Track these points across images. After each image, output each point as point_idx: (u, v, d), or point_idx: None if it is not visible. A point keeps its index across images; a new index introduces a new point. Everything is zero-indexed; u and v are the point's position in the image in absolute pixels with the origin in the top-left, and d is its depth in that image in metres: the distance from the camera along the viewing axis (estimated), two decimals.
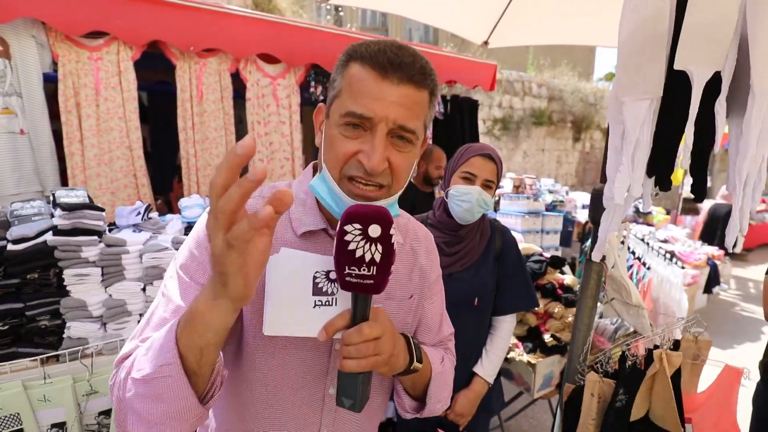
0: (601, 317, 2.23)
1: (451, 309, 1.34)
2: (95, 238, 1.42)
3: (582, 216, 4.63)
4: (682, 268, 3.12)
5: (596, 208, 1.61)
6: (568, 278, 2.17)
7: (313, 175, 0.71)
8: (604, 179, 1.32)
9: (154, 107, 4.17)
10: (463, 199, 1.32)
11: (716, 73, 0.99)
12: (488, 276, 1.43)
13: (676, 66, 1.02)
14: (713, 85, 1.00)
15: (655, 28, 1.09)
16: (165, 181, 4.27)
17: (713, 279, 5.28)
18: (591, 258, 1.65)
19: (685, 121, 1.17)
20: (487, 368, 1.46)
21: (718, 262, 5.37)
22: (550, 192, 4.65)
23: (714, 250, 5.50)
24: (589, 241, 3.47)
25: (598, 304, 1.67)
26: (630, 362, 1.29)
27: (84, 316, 1.40)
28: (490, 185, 1.36)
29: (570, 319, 2.06)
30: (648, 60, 1.13)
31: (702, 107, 1.02)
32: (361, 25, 10.40)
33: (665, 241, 5.01)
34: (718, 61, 0.98)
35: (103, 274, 1.45)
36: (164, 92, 3.66)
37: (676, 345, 1.34)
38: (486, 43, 2.96)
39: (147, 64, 2.66)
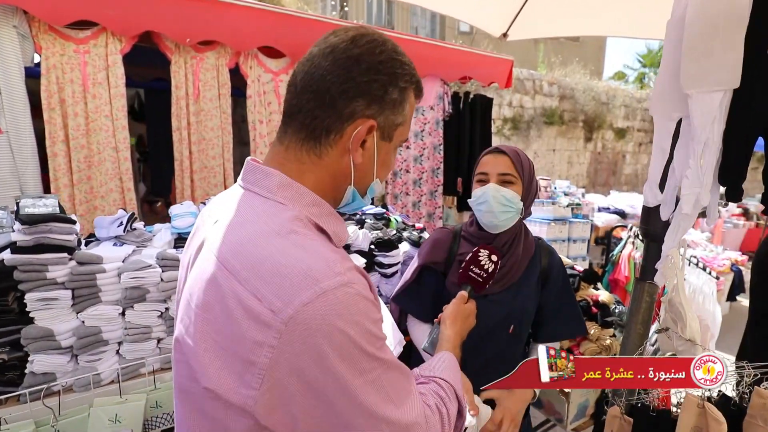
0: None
1: (483, 332, 1.18)
2: (65, 255, 1.21)
3: (599, 220, 4.39)
4: (717, 278, 2.88)
5: (650, 219, 1.38)
6: (603, 294, 1.94)
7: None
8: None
9: (152, 105, 4.01)
10: (480, 201, 1.18)
11: None
12: (529, 299, 1.25)
13: None
14: None
15: (733, 3, 0.89)
16: (164, 182, 4.10)
17: (737, 286, 5.02)
18: (642, 277, 1.43)
19: (765, 117, 0.98)
20: None
21: (742, 268, 5.11)
22: (566, 194, 4.42)
23: (738, 255, 5.23)
24: (617, 248, 3.24)
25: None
26: (652, 403, 1.08)
27: (50, 347, 1.19)
28: (509, 179, 1.18)
29: (608, 341, 1.83)
30: (722, 43, 0.93)
31: None
32: (366, 22, 10.22)
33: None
34: None
35: (74, 297, 1.23)
36: (162, 90, 3.48)
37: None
38: (505, 35, 2.75)
39: (144, 60, 2.48)
